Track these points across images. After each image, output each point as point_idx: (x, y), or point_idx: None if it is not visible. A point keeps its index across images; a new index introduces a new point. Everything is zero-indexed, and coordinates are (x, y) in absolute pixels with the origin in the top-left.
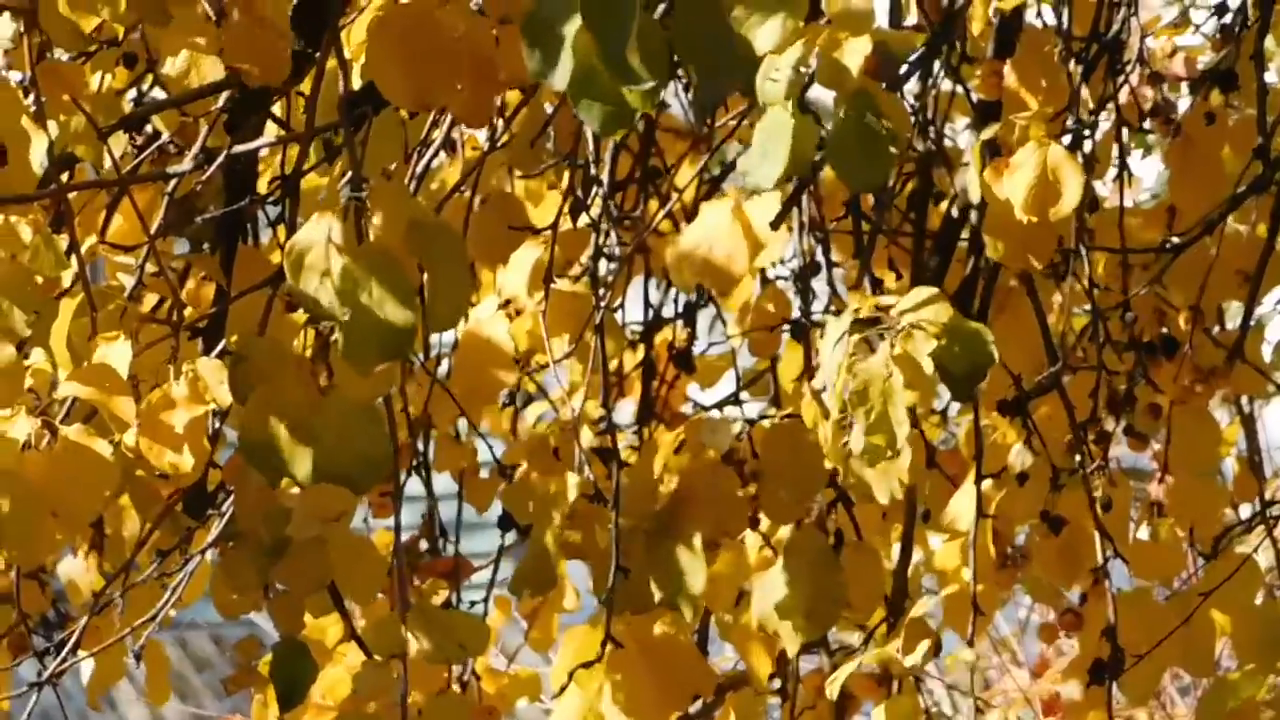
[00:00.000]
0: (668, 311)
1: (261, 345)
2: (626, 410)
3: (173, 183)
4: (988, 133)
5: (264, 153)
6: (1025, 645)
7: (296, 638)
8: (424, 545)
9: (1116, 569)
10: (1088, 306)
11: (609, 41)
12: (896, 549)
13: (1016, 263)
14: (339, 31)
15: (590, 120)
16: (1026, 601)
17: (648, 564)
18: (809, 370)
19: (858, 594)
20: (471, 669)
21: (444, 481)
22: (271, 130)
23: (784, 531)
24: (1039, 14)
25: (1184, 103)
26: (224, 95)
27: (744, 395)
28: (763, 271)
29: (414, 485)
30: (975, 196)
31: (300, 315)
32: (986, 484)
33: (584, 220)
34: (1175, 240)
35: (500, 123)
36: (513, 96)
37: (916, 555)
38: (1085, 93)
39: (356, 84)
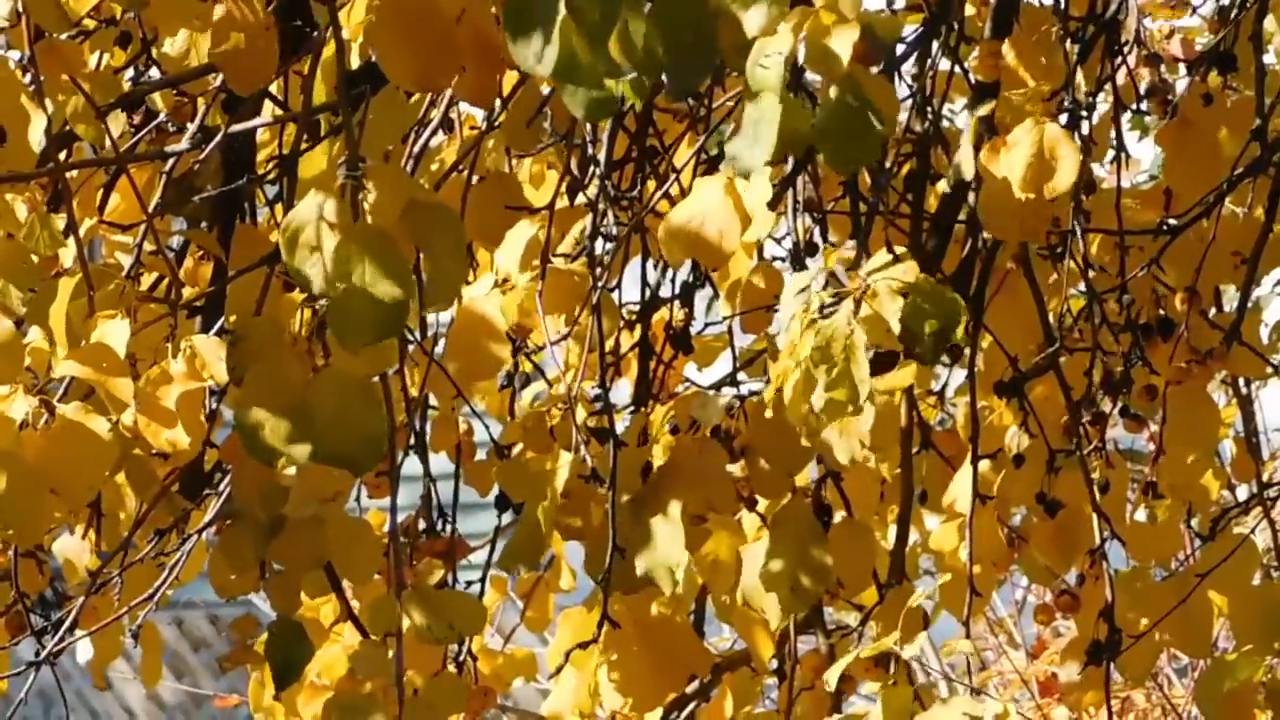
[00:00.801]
0: (665, 292)
1: (258, 325)
2: (624, 391)
3: (171, 162)
4: (984, 109)
5: (262, 132)
6: (1022, 626)
7: (292, 617)
8: (421, 525)
9: (1114, 550)
10: (1084, 288)
11: (593, 30)
12: (893, 530)
13: (1011, 236)
14: (337, 11)
15: (575, 107)
16: (1024, 582)
17: (632, 538)
18: None
19: (849, 571)
20: (467, 649)
21: (441, 462)
22: (269, 110)
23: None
24: None
25: (1181, 84)
26: (221, 75)
27: (741, 375)
28: (760, 252)
29: (411, 465)
30: (969, 173)
31: (299, 294)
32: (984, 465)
33: (581, 200)
34: (1172, 222)
35: (498, 103)
36: (509, 77)
37: (913, 536)
38: (1080, 74)
39: (355, 63)
